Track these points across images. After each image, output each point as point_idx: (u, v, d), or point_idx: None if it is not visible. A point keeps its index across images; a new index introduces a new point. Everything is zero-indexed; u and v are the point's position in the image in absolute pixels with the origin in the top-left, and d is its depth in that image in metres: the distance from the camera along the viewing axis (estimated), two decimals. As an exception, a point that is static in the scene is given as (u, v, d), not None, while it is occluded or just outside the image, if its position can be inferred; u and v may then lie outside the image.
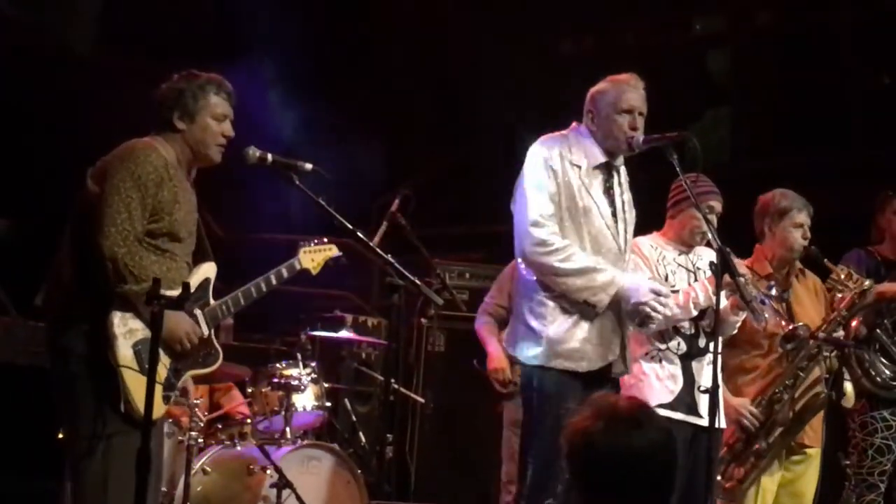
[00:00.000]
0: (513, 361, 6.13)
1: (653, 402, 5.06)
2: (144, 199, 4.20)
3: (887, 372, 5.97)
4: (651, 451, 2.72)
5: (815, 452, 5.58)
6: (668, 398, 5.16)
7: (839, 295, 5.59)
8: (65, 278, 4.23)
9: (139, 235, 4.20)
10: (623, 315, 4.81)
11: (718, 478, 5.33)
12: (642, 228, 5.22)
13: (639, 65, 5.13)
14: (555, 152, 4.80)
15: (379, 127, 9.38)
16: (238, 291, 4.56)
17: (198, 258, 4.48)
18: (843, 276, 5.59)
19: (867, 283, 5.60)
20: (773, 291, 5.28)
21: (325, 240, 4.99)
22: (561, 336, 4.73)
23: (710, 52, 9.98)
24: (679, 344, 5.27)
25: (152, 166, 4.24)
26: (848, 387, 5.58)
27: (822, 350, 5.41)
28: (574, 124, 4.94)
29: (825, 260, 5.62)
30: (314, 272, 4.94)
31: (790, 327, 5.37)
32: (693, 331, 5.29)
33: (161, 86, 4.43)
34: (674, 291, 5.30)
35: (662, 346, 5.25)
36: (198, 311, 4.40)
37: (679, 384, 5.22)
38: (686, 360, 5.26)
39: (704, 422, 5.08)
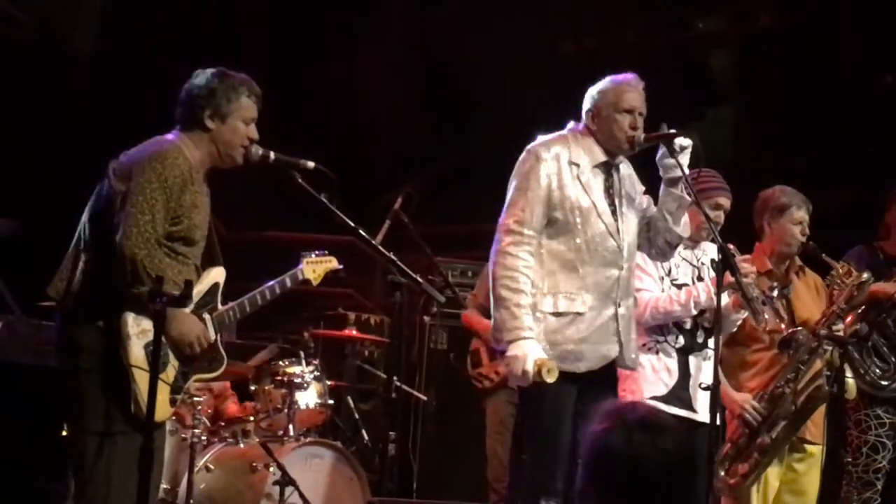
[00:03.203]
0: (493, 355, 6.14)
1: (646, 394, 5.10)
2: (168, 202, 4.19)
3: (877, 371, 5.97)
4: (661, 457, 2.72)
5: (817, 450, 5.59)
6: (663, 391, 5.17)
7: (837, 290, 5.60)
8: (79, 273, 4.21)
9: (160, 238, 4.19)
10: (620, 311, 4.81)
11: (722, 473, 5.34)
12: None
13: (640, 64, 5.13)
14: (551, 153, 4.77)
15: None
16: (244, 298, 4.58)
17: (207, 262, 4.47)
18: (842, 272, 5.60)
19: (865, 275, 5.60)
20: (776, 292, 5.30)
21: (326, 252, 5.03)
22: (555, 338, 4.68)
23: (712, 52, 9.98)
24: (677, 338, 5.28)
25: (179, 170, 4.22)
26: (850, 381, 5.58)
27: (822, 344, 5.42)
28: (573, 124, 4.93)
29: (823, 255, 5.64)
30: (315, 283, 5.00)
31: (789, 332, 5.39)
32: (692, 326, 5.30)
33: (190, 82, 4.39)
34: (677, 286, 5.33)
35: (661, 339, 5.27)
36: (207, 316, 4.42)
37: (674, 378, 5.23)
38: (683, 354, 5.28)
39: (698, 417, 5.11)
